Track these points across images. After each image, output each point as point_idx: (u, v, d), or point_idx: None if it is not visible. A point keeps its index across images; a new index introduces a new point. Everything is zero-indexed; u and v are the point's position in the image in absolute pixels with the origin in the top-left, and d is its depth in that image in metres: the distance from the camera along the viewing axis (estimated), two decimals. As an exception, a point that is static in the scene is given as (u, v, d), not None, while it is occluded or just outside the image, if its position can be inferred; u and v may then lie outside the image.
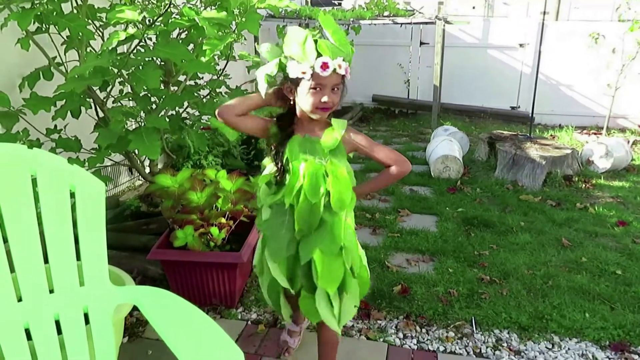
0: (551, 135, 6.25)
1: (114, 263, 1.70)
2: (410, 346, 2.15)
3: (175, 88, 2.70)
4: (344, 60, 1.41)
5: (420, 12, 6.86)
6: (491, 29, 7.45)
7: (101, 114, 2.55)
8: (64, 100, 2.21)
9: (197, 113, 2.74)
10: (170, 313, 1.29)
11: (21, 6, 2.06)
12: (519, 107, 7.49)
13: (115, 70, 2.20)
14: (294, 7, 2.41)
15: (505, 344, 2.17)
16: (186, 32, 2.55)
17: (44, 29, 2.27)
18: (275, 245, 1.54)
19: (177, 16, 2.23)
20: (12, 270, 1.29)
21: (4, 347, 1.26)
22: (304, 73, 1.40)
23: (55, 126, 2.39)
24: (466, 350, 2.13)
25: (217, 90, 2.82)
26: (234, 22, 2.29)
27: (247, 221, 2.48)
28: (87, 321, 1.39)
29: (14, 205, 1.29)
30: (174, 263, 2.33)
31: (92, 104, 2.50)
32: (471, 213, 3.62)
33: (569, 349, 2.15)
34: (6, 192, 1.28)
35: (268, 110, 1.66)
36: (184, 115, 2.80)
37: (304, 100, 1.46)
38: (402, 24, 6.85)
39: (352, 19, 6.46)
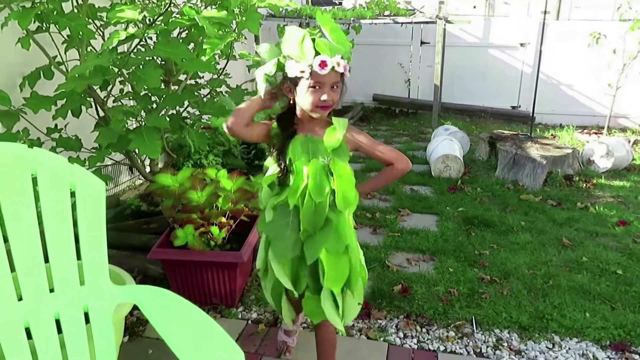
0: (552, 135, 6.24)
1: (115, 262, 1.71)
2: (410, 346, 2.15)
3: (176, 87, 2.70)
4: (342, 58, 1.41)
5: (420, 12, 6.86)
6: (492, 29, 7.45)
7: (102, 113, 2.55)
8: (65, 99, 2.21)
9: (197, 112, 2.74)
10: (171, 312, 1.29)
11: (22, 5, 2.06)
12: (519, 106, 7.49)
13: (116, 70, 2.20)
14: (295, 6, 2.40)
15: (505, 344, 2.17)
16: (186, 32, 2.55)
17: (44, 28, 2.27)
18: (280, 247, 1.53)
19: (178, 15, 2.23)
20: (12, 269, 1.29)
21: (4, 346, 1.26)
22: (302, 72, 1.40)
23: (56, 125, 2.39)
24: (466, 350, 2.13)
25: (218, 89, 2.82)
26: (234, 21, 2.29)
27: (247, 220, 2.48)
28: (87, 320, 1.39)
29: (15, 205, 1.29)
30: (175, 262, 2.33)
31: (93, 103, 2.50)
32: (472, 212, 3.62)
33: (569, 348, 2.14)
34: (6, 191, 1.28)
35: (268, 112, 1.66)
36: (185, 114, 2.80)
37: (303, 99, 1.45)
38: (402, 23, 6.85)
39: (352, 18, 6.45)
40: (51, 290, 1.37)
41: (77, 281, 1.40)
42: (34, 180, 1.32)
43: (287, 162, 1.53)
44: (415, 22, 6.87)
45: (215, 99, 2.71)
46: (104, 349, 1.38)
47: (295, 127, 1.56)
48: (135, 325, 2.22)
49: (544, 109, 6.80)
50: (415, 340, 2.18)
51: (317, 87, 1.42)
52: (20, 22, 1.98)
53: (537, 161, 4.31)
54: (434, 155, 4.66)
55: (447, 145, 4.68)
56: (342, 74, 1.45)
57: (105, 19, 2.43)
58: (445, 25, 6.37)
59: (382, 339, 2.18)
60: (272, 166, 1.61)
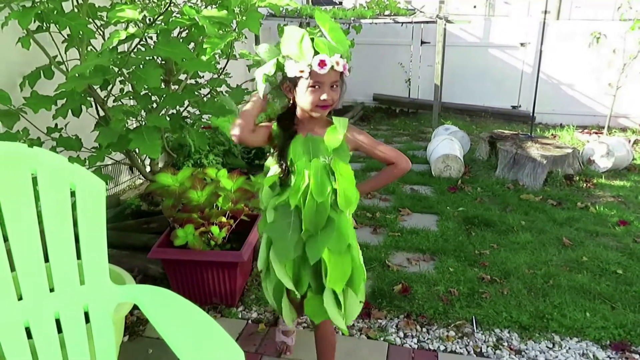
0: (552, 135, 6.24)
1: (115, 262, 1.71)
2: (410, 345, 2.15)
3: (176, 87, 2.70)
4: (341, 57, 1.41)
5: (421, 11, 6.86)
6: (492, 28, 7.44)
7: (102, 113, 2.55)
8: (65, 99, 2.21)
9: (197, 112, 2.74)
10: (171, 312, 1.29)
11: (22, 5, 2.06)
12: (520, 106, 7.49)
13: (116, 69, 2.19)
14: (295, 5, 2.40)
15: (505, 344, 2.17)
16: (187, 31, 2.55)
17: (44, 28, 2.27)
18: (282, 247, 1.53)
19: (178, 15, 2.23)
20: (12, 269, 1.29)
21: (4, 346, 1.26)
22: (301, 72, 1.40)
23: (56, 125, 2.39)
24: (467, 350, 2.13)
25: (218, 89, 2.82)
26: (234, 21, 2.29)
27: (247, 220, 2.48)
28: (87, 320, 1.39)
29: (15, 204, 1.29)
30: (175, 262, 2.33)
31: (93, 103, 2.50)
32: (472, 212, 3.62)
33: (569, 348, 2.14)
34: (7, 190, 1.28)
35: (267, 112, 1.66)
36: (185, 114, 2.80)
37: (303, 99, 1.45)
38: (403, 23, 6.85)
39: (353, 18, 6.45)
40: (51, 290, 1.37)
41: (77, 281, 1.40)
42: (34, 180, 1.32)
43: (288, 162, 1.53)
44: (415, 22, 6.87)
45: (215, 99, 2.71)
46: (104, 348, 1.38)
47: (296, 127, 1.56)
48: (136, 325, 2.22)
49: (544, 108, 6.80)
50: (415, 340, 2.18)
51: (316, 87, 1.42)
52: (20, 21, 1.98)
53: (537, 161, 4.31)
54: (434, 154, 4.66)
55: (447, 145, 4.68)
56: (341, 73, 1.45)
57: (105, 19, 2.43)
58: (445, 25, 6.36)
59: (382, 338, 2.18)
60: (273, 167, 1.61)
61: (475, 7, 9.17)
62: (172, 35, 2.27)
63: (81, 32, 2.17)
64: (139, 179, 3.99)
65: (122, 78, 2.31)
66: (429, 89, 7.36)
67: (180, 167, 3.46)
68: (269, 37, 6.46)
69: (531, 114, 5.69)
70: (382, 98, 8.06)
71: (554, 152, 4.43)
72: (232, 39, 2.35)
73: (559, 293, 2.53)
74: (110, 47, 2.02)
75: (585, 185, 4.35)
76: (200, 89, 2.79)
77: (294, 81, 1.45)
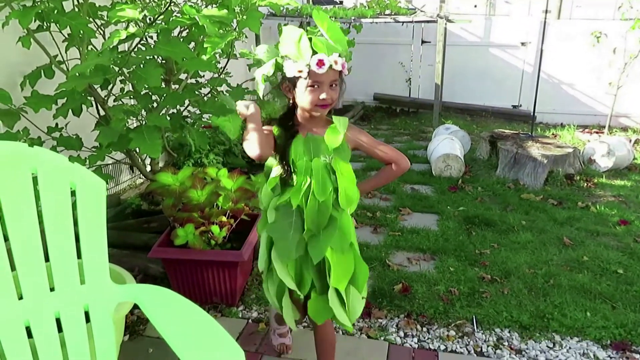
0: (553, 134, 6.24)
1: (115, 261, 1.70)
2: (411, 345, 2.15)
3: (176, 86, 2.70)
4: (340, 56, 1.41)
5: (421, 11, 6.86)
6: (493, 28, 7.44)
7: (102, 113, 2.55)
8: (65, 98, 2.21)
9: (198, 111, 2.74)
10: (171, 311, 1.29)
11: (22, 4, 2.06)
12: (520, 105, 7.48)
13: (116, 69, 2.19)
14: (295, 5, 2.40)
15: (506, 343, 2.17)
16: (187, 31, 2.54)
17: (45, 27, 2.27)
18: (283, 247, 1.53)
19: (178, 14, 2.23)
20: (12, 268, 1.29)
21: (4, 345, 1.26)
22: (300, 72, 1.41)
23: (57, 124, 2.39)
24: (467, 349, 2.13)
25: (218, 88, 2.81)
26: (235, 20, 2.29)
27: (248, 219, 2.48)
28: (87, 319, 1.39)
29: (15, 204, 1.29)
30: (175, 261, 2.33)
31: (93, 103, 2.50)
32: (472, 212, 3.62)
33: (570, 348, 2.14)
34: (7, 190, 1.28)
35: (267, 112, 1.65)
36: (185, 113, 2.80)
37: (302, 99, 1.46)
38: (403, 22, 6.84)
39: (353, 17, 6.45)
40: (51, 289, 1.37)
41: (78, 280, 1.40)
42: (35, 179, 1.32)
43: (290, 162, 1.53)
44: (416, 21, 6.87)
45: (215, 98, 2.71)
46: (104, 348, 1.38)
47: (297, 127, 1.56)
48: (136, 324, 2.22)
49: (545, 108, 6.80)
50: (415, 340, 2.18)
51: (315, 86, 1.42)
52: (20, 21, 1.98)
53: (538, 160, 4.31)
54: (434, 154, 4.66)
55: (447, 145, 4.67)
56: (340, 72, 1.45)
57: (105, 18, 2.43)
58: (446, 24, 6.36)
59: (382, 338, 2.18)
60: (275, 167, 1.60)
61: (475, 6, 9.16)
62: (172, 34, 2.27)
63: (82, 32, 2.17)
64: (140, 178, 3.99)
65: (123, 77, 2.31)
66: (430, 88, 7.36)
67: (180, 166, 3.47)
68: (269, 36, 6.46)
69: (532, 114, 5.68)
70: (382, 97, 8.05)
71: (555, 151, 4.42)
72: (233, 39, 2.35)
73: (559, 293, 2.53)
74: (111, 47, 2.02)
75: (585, 184, 4.35)
76: (201, 89, 2.79)
77: (293, 81, 1.45)
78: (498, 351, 2.12)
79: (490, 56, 7.48)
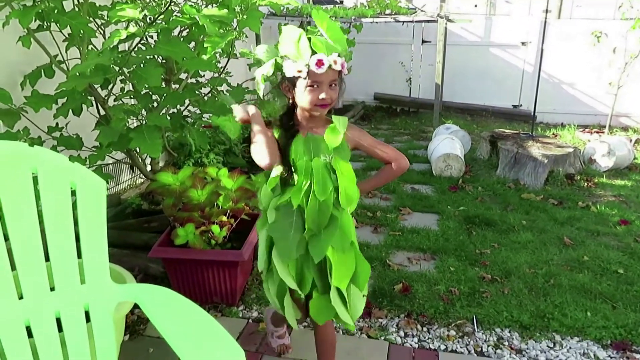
0: (553, 134, 6.23)
1: (115, 261, 1.71)
2: (411, 345, 2.15)
3: (177, 86, 2.70)
4: (339, 55, 1.41)
5: (422, 10, 6.85)
6: (493, 27, 7.43)
7: (102, 112, 2.55)
8: (66, 98, 2.21)
9: (198, 111, 2.74)
10: (171, 311, 1.29)
11: (22, 4, 2.06)
12: (521, 105, 7.48)
13: (117, 68, 2.19)
14: (295, 4, 2.40)
15: (506, 343, 2.17)
16: (187, 30, 2.55)
17: (45, 27, 2.27)
18: (284, 247, 1.53)
19: (178, 14, 2.23)
20: (13, 267, 1.29)
21: (4, 345, 1.26)
22: (299, 72, 1.41)
23: (57, 124, 2.39)
24: (467, 349, 2.13)
25: (219, 88, 2.81)
26: (235, 20, 2.29)
27: (248, 219, 2.48)
28: (88, 319, 1.39)
29: (15, 203, 1.29)
30: (175, 261, 2.33)
31: (94, 102, 2.50)
32: (473, 211, 3.62)
33: (570, 347, 2.14)
34: (7, 189, 1.28)
35: (267, 112, 1.65)
36: (185, 113, 2.80)
37: (302, 98, 1.46)
38: (404, 22, 6.84)
39: (354, 17, 6.45)
40: (52, 289, 1.37)
41: (78, 280, 1.40)
42: (35, 179, 1.32)
43: (291, 162, 1.53)
44: (416, 21, 6.86)
45: (216, 98, 2.71)
46: (104, 347, 1.38)
47: (297, 127, 1.56)
48: (136, 324, 2.22)
49: (545, 107, 6.79)
50: (416, 339, 2.18)
51: (315, 86, 1.42)
52: (21, 20, 1.98)
53: (538, 160, 4.31)
54: (435, 154, 4.65)
55: (448, 144, 4.67)
56: (339, 72, 1.45)
57: (106, 18, 2.43)
58: (446, 24, 6.36)
59: (382, 337, 2.18)
60: (275, 167, 1.60)
61: (476, 6, 9.14)
62: (172, 34, 2.27)
63: (82, 31, 2.17)
64: (140, 178, 3.99)
65: (123, 77, 2.31)
66: (430, 88, 7.35)
67: (181, 166, 3.47)
68: (269, 36, 6.46)
69: (532, 113, 5.68)
70: (383, 97, 8.05)
71: (555, 151, 4.42)
72: (233, 38, 2.35)
73: (559, 292, 2.53)
74: (111, 46, 2.02)
75: (586, 184, 4.34)
76: (201, 88, 2.79)
77: (293, 81, 1.45)
78: (498, 351, 2.12)
79: (490, 56, 7.47)
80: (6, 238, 1.28)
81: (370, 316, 2.32)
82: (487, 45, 7.46)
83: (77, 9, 2.29)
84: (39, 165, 1.32)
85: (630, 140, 5.44)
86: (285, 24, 1.53)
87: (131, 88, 2.51)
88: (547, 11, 5.56)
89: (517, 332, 2.24)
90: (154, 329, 1.21)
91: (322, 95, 1.43)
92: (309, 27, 1.41)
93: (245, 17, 2.27)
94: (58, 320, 1.36)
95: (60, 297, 1.37)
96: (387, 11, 6.73)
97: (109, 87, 2.42)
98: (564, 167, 4.38)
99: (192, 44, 2.49)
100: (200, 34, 2.38)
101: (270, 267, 1.64)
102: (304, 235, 1.53)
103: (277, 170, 1.57)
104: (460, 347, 2.14)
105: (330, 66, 1.40)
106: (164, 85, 2.56)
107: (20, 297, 1.32)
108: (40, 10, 2.07)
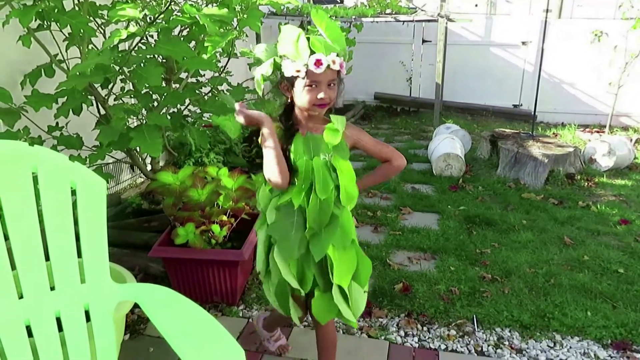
0: (553, 134, 6.23)
1: (115, 260, 1.70)
2: (411, 344, 2.15)
3: (177, 85, 2.70)
4: (338, 55, 1.41)
5: (422, 10, 6.85)
6: (494, 27, 7.43)
7: (103, 112, 2.55)
8: (66, 97, 2.21)
9: (198, 110, 2.74)
10: (172, 310, 1.29)
11: (22, 3, 2.06)
12: (521, 105, 7.47)
13: (117, 68, 2.19)
14: (296, 3, 2.40)
15: (506, 342, 2.17)
16: (188, 30, 2.54)
17: (45, 26, 2.27)
18: (286, 247, 1.53)
19: (179, 13, 2.23)
20: (13, 267, 1.29)
21: (4, 344, 1.26)
22: (298, 71, 1.41)
23: (57, 123, 2.39)
24: (467, 349, 2.13)
25: (219, 87, 2.81)
26: (235, 19, 2.29)
27: (248, 219, 2.48)
28: (88, 318, 1.39)
29: (15, 203, 1.29)
30: (176, 260, 2.33)
31: (94, 102, 2.50)
32: (473, 211, 3.62)
33: (570, 347, 2.14)
34: (7, 189, 1.28)
35: (267, 111, 1.65)
36: (186, 112, 2.80)
37: (301, 98, 1.46)
38: (404, 21, 6.83)
39: (354, 17, 6.44)
40: (52, 288, 1.37)
41: (78, 279, 1.40)
42: (35, 178, 1.32)
43: (292, 162, 1.53)
44: (416, 21, 6.85)
45: (216, 97, 2.71)
46: (104, 347, 1.38)
47: (296, 127, 1.56)
48: (136, 324, 2.22)
49: (545, 107, 6.79)
50: (416, 339, 2.18)
51: (313, 86, 1.42)
52: (21, 20, 1.98)
53: (538, 160, 4.30)
54: (435, 153, 4.65)
55: (448, 144, 4.67)
56: (338, 72, 1.45)
57: (106, 17, 2.43)
58: (446, 23, 6.35)
59: (383, 337, 2.18)
60: None
61: (476, 5, 9.13)
62: (173, 33, 2.27)
63: (82, 31, 2.17)
64: (140, 177, 3.99)
65: (123, 76, 2.31)
66: (430, 87, 7.35)
67: (181, 165, 3.46)
68: (269, 35, 6.45)
69: (532, 113, 5.67)
70: (383, 97, 8.05)
71: (556, 151, 4.42)
72: (233, 37, 2.35)
73: (560, 292, 2.53)
74: (111, 46, 2.02)
75: (586, 184, 4.34)
76: (201, 88, 2.79)
77: (291, 80, 1.45)
78: (499, 350, 2.11)
79: (491, 55, 7.47)
80: (6, 237, 1.28)
81: (370, 316, 2.32)
82: (488, 44, 7.46)
83: (77, 8, 2.29)
84: (39, 164, 1.32)
85: (631, 140, 5.43)
86: (285, 24, 1.53)
87: (131, 87, 2.51)
88: (547, 11, 5.55)
89: (517, 331, 2.24)
90: (154, 329, 1.21)
91: (321, 95, 1.43)
92: (309, 27, 1.41)
93: (245, 16, 2.27)
94: (58, 320, 1.36)
95: (61, 297, 1.37)
96: (388, 11, 6.72)
97: (109, 86, 2.42)
98: (564, 166, 4.38)
99: (193, 43, 2.49)
100: (201, 33, 2.38)
101: (269, 268, 1.64)
102: (305, 234, 1.53)
103: None
104: (461, 347, 2.14)
105: (328, 66, 1.40)
106: (164, 84, 2.56)
107: (20, 297, 1.32)
108: (40, 10, 2.07)
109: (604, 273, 2.75)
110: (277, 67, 1.46)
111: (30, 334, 1.31)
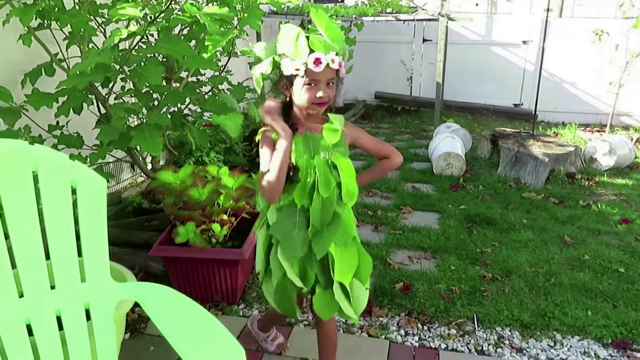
0: (554, 133, 6.23)
1: (116, 259, 1.70)
2: (411, 343, 2.15)
3: (177, 84, 2.70)
4: (337, 54, 1.41)
5: (423, 9, 6.84)
6: (494, 26, 7.42)
7: (103, 111, 2.55)
8: (66, 96, 2.21)
9: (199, 110, 2.74)
10: (172, 309, 1.29)
11: (23, 2, 2.06)
12: (522, 104, 7.47)
13: (117, 67, 2.19)
14: (296, 3, 2.40)
15: (507, 342, 2.16)
16: (188, 29, 2.54)
17: (45, 25, 2.27)
18: (289, 246, 1.53)
19: (179, 12, 2.23)
20: (13, 266, 1.29)
21: (5, 343, 1.26)
22: (297, 70, 1.41)
23: (57, 122, 2.39)
24: (468, 348, 2.13)
25: (219, 86, 2.81)
26: (235, 18, 2.29)
27: (248, 218, 2.48)
28: (88, 317, 1.39)
29: (16, 201, 1.29)
30: (176, 259, 2.33)
31: (94, 101, 2.50)
32: (473, 210, 3.62)
33: (571, 346, 2.14)
34: (8, 188, 1.28)
35: None
36: (186, 111, 2.80)
37: (299, 97, 1.46)
38: (405, 20, 6.82)
39: (354, 16, 6.43)
40: (52, 287, 1.37)
41: (78, 278, 1.40)
42: (35, 178, 1.32)
43: (293, 161, 1.53)
44: (417, 20, 6.84)
45: (216, 96, 2.71)
46: (105, 346, 1.38)
47: (295, 125, 1.56)
48: (137, 323, 2.22)
49: (546, 106, 6.78)
50: (416, 338, 2.18)
51: (312, 85, 1.43)
52: (21, 19, 1.98)
53: (539, 159, 4.30)
54: (435, 152, 4.65)
55: (449, 143, 4.67)
56: (337, 71, 1.45)
57: (106, 16, 2.43)
58: (447, 22, 6.34)
59: (383, 336, 2.18)
60: None
61: (477, 4, 9.12)
62: (173, 32, 2.27)
63: (82, 30, 2.17)
64: (141, 176, 4.00)
65: (124, 75, 2.31)
66: (431, 86, 7.34)
67: (181, 164, 3.47)
68: (270, 34, 6.45)
69: (533, 112, 5.67)
70: (383, 96, 8.04)
71: (556, 150, 4.42)
72: (234, 37, 2.35)
73: (560, 291, 2.53)
74: (112, 45, 2.02)
75: (587, 183, 4.34)
76: (202, 87, 2.79)
77: (290, 79, 1.45)
78: (499, 350, 2.11)
79: (491, 54, 7.46)
80: (7, 236, 1.28)
81: (370, 315, 2.32)
82: (488, 44, 7.45)
83: (77, 7, 2.29)
84: (40, 163, 1.32)
85: (632, 139, 5.42)
86: (286, 22, 1.53)
87: (132, 86, 2.51)
88: (548, 10, 5.55)
89: (517, 330, 2.24)
90: (155, 328, 1.21)
91: (320, 94, 1.43)
92: (309, 26, 1.41)
93: (246, 15, 2.27)
94: (58, 319, 1.36)
95: (61, 296, 1.37)
96: (388, 10, 6.71)
97: (110, 85, 2.42)
98: (565, 166, 4.38)
99: (193, 42, 2.49)
100: (201, 32, 2.38)
101: (269, 268, 1.64)
102: (307, 233, 1.53)
103: None
104: (461, 346, 2.14)
105: (327, 65, 1.40)
106: (164, 83, 2.56)
107: (21, 296, 1.32)
108: (40, 9, 2.07)
109: (604, 272, 2.75)
110: (276, 65, 1.46)
111: (30, 332, 1.31)
